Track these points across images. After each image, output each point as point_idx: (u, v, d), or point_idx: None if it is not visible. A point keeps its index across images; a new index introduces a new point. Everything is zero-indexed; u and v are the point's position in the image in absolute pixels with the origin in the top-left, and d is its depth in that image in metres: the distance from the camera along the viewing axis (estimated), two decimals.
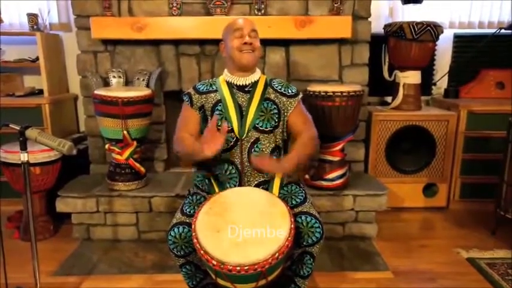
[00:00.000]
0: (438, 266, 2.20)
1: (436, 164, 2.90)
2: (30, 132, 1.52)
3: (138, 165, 2.47)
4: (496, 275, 2.09)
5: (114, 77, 2.59)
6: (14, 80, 3.15)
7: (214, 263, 1.32)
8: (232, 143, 1.67)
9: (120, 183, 2.42)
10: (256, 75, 1.76)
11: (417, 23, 2.74)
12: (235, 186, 1.69)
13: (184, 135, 1.68)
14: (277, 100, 1.73)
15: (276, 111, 1.72)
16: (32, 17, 2.93)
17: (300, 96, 1.79)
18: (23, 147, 1.54)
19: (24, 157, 1.55)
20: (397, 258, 2.27)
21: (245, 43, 1.64)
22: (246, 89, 1.73)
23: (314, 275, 2.06)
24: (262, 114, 1.69)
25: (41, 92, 2.99)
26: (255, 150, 1.68)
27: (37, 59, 2.93)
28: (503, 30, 3.07)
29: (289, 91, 1.77)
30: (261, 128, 1.69)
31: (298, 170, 1.70)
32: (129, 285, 2.03)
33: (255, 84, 1.74)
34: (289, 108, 1.74)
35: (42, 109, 2.85)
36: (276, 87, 1.77)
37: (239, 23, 1.68)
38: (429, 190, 2.96)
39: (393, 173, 2.92)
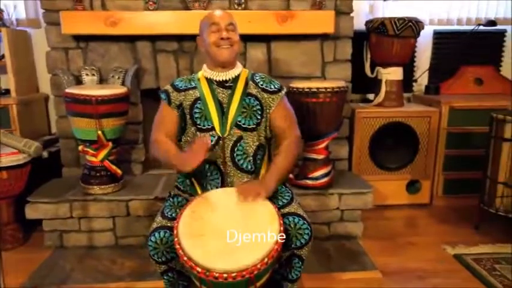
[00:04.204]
0: (426, 264, 2.17)
1: (419, 161, 2.89)
2: None
3: (114, 167, 2.34)
4: (484, 271, 2.08)
5: (87, 74, 2.46)
6: None
7: (199, 270, 1.23)
8: (213, 142, 1.58)
9: (95, 187, 2.29)
10: (237, 69, 1.67)
11: (399, 19, 2.72)
12: (217, 187, 1.60)
13: (161, 139, 1.60)
14: (259, 96, 1.65)
15: (258, 107, 1.63)
16: None
17: (284, 91, 1.69)
18: None
19: None
20: (385, 257, 2.23)
21: (222, 38, 1.55)
22: (227, 85, 1.64)
23: (301, 277, 1.99)
24: (245, 110, 1.61)
25: (8, 91, 2.82)
26: (238, 149, 1.60)
27: (3, 56, 2.76)
28: (481, 27, 3.09)
29: (272, 87, 1.67)
30: (243, 126, 1.60)
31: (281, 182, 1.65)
32: None
33: (235, 79, 1.65)
34: (271, 105, 1.65)
35: (9, 110, 2.69)
36: (258, 82, 1.67)
37: (215, 17, 1.59)
38: (412, 187, 2.94)
39: (377, 171, 2.89)
